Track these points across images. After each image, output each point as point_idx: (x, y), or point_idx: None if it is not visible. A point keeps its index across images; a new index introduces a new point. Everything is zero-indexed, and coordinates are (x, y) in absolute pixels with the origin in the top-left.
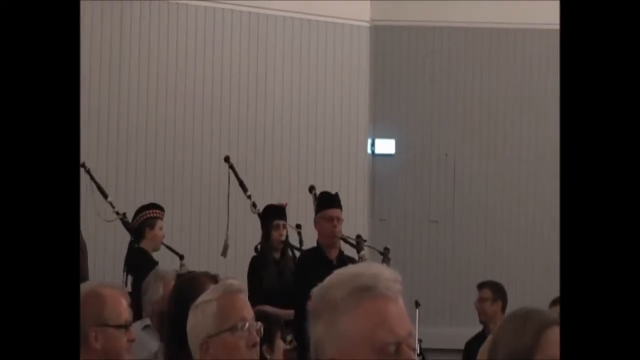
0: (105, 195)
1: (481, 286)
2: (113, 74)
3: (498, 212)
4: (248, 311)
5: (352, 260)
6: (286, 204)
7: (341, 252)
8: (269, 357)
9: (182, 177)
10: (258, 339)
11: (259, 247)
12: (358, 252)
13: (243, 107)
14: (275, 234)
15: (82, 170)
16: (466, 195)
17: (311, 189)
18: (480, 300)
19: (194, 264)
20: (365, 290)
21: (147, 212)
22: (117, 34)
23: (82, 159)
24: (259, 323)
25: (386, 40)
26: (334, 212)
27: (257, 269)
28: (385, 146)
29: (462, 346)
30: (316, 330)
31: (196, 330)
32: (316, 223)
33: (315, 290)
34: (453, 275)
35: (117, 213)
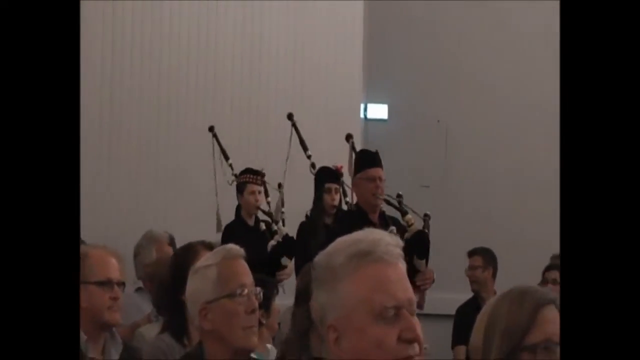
0: (226, 157)
1: (472, 254)
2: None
3: (490, 179)
4: (247, 277)
5: (395, 222)
6: (341, 167)
7: (383, 213)
8: (264, 322)
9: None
10: (257, 305)
11: (309, 213)
12: (403, 215)
13: (237, 72)
14: (327, 198)
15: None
16: (458, 161)
17: (348, 137)
18: (471, 267)
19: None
20: (364, 255)
21: (240, 177)
22: None
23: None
24: (259, 288)
25: (381, 5)
26: (376, 171)
27: (305, 235)
28: (378, 111)
29: (453, 312)
30: (318, 298)
31: (196, 296)
32: (356, 184)
33: (318, 258)
34: (444, 241)
35: (235, 176)
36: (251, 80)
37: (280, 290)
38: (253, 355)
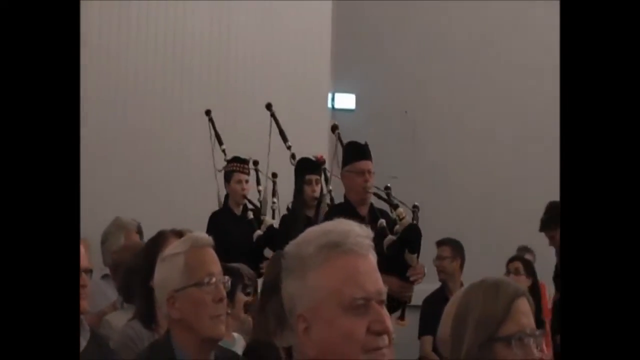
0: (220, 142)
1: (440, 244)
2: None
3: (457, 169)
4: (215, 266)
5: (385, 215)
6: (322, 157)
7: (372, 207)
8: (229, 311)
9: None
10: (225, 294)
11: (290, 205)
12: (394, 209)
13: (204, 61)
14: (307, 190)
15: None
16: (425, 151)
17: (334, 128)
18: (439, 257)
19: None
20: (334, 247)
21: (227, 165)
22: None
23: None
24: (227, 277)
25: None
26: (365, 164)
27: (286, 227)
28: (346, 101)
29: (420, 302)
30: (287, 287)
31: (163, 284)
32: (344, 177)
33: (288, 248)
34: None
35: (227, 161)
36: (218, 73)
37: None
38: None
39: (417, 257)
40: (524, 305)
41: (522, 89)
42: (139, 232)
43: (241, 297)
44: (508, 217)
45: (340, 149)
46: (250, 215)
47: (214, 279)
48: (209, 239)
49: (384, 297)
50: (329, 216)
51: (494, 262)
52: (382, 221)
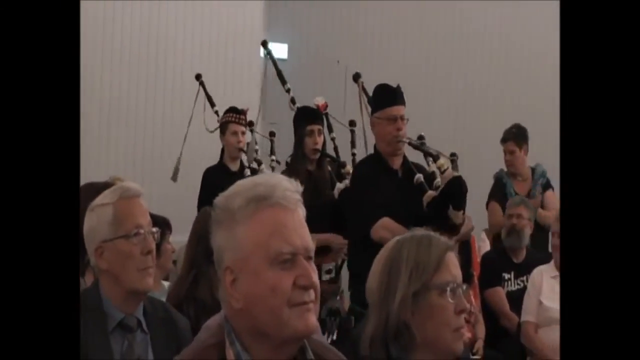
0: (212, 104)
1: None
2: None
3: None
4: (144, 217)
5: (420, 169)
6: (324, 105)
7: (406, 160)
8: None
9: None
10: (154, 246)
11: (289, 160)
12: (434, 160)
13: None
14: (309, 142)
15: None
16: (357, 101)
17: (356, 77)
18: None
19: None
20: (262, 200)
21: (222, 117)
22: None
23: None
24: (156, 229)
25: None
26: (397, 109)
27: None
28: (278, 50)
29: None
30: (217, 240)
31: (92, 235)
32: (373, 124)
33: (217, 199)
34: None
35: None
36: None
37: None
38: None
39: (463, 213)
40: (454, 258)
41: (466, 48)
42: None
43: (168, 247)
44: None
45: (363, 99)
46: (248, 172)
47: (142, 231)
48: (138, 189)
49: (312, 253)
50: (359, 170)
51: None
52: (420, 176)
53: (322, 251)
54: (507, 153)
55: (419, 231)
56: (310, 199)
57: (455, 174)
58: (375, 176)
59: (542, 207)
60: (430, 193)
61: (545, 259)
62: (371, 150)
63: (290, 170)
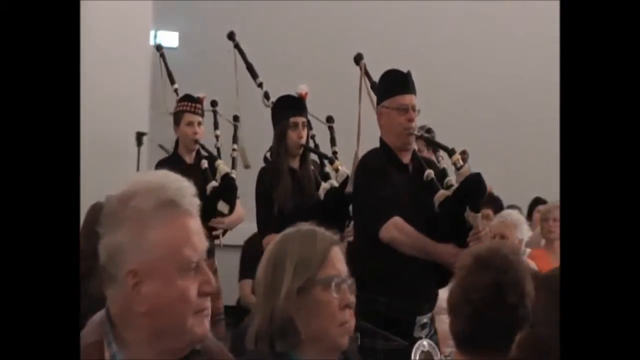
0: (172, 81)
1: None
2: None
3: None
4: None
5: (430, 164)
6: (306, 94)
7: (415, 154)
8: None
9: None
10: None
11: (268, 155)
12: (450, 155)
13: None
14: (292, 135)
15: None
16: (252, 89)
17: (358, 58)
18: None
19: None
20: (173, 206)
21: (176, 105)
22: None
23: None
24: None
25: None
26: (408, 98)
27: (268, 184)
28: (169, 39)
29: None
30: (115, 237)
31: None
32: (381, 115)
33: (117, 195)
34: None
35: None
36: None
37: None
38: None
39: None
40: (339, 253)
41: (418, 19)
42: None
43: None
44: None
45: (366, 82)
46: (205, 164)
47: None
48: None
49: (205, 255)
50: (364, 165)
51: None
52: (430, 172)
53: None
54: None
55: (305, 226)
56: (296, 200)
57: (472, 172)
58: (384, 171)
59: None
60: (443, 192)
61: None
62: (363, 146)
63: (273, 168)
